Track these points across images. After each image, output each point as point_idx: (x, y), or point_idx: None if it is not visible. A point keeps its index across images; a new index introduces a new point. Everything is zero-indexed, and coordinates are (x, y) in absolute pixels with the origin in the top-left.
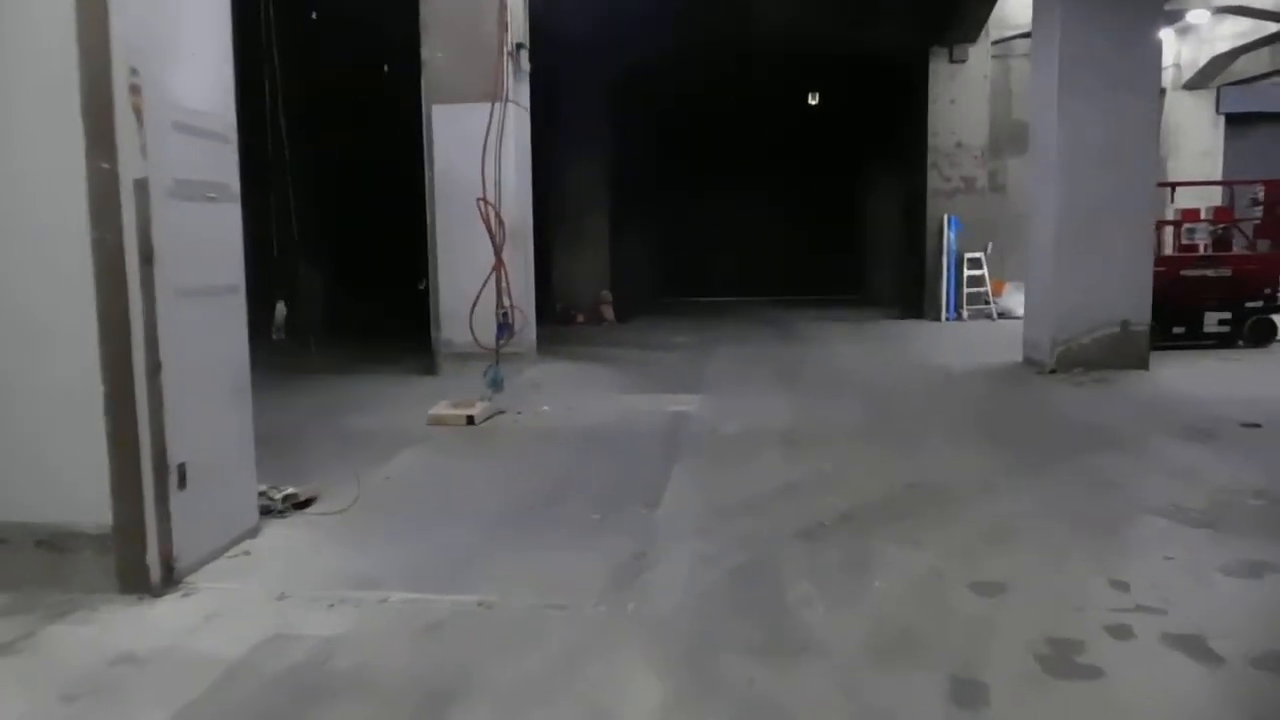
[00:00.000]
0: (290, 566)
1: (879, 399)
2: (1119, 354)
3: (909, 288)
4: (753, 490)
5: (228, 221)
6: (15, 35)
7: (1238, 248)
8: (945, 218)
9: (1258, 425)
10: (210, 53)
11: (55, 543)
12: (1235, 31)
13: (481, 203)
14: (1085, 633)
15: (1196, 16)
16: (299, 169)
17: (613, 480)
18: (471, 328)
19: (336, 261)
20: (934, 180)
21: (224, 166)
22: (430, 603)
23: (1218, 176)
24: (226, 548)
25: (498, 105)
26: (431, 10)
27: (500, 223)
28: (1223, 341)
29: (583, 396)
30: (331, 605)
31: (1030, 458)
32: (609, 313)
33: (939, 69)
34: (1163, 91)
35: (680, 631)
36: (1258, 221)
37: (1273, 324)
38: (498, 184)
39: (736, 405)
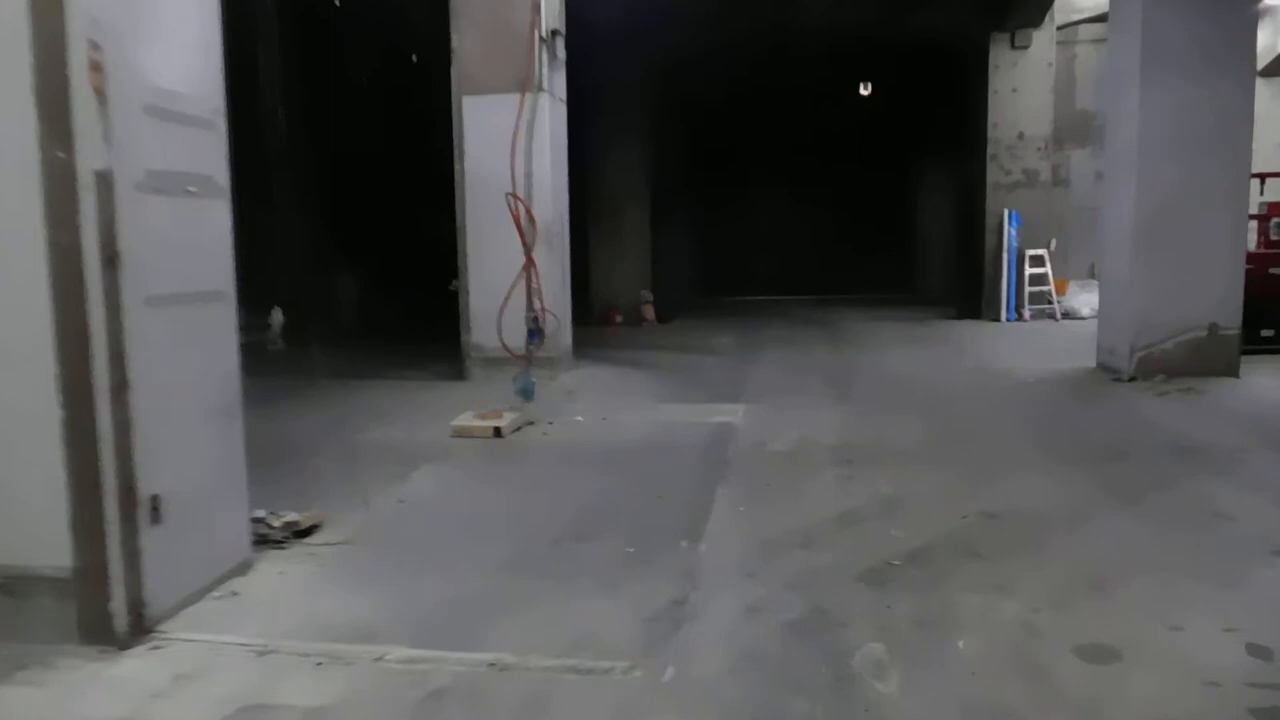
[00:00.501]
0: (279, 611)
1: (941, 410)
2: (1205, 360)
3: (964, 286)
4: (806, 519)
5: (213, 219)
6: None
7: None
8: (1005, 213)
9: None
10: (194, 26)
11: (9, 587)
12: None
13: (511, 198)
14: (1228, 717)
15: None
16: (335, 169)
17: (649, 505)
18: (500, 332)
19: (370, 263)
20: (994, 173)
21: (208, 156)
22: (433, 662)
23: None
24: (211, 587)
25: (529, 95)
26: None
27: (532, 220)
28: None
29: (619, 406)
30: (319, 664)
31: (1123, 482)
32: (649, 313)
33: (1000, 56)
34: None
35: (725, 706)
36: None
37: None
38: (529, 178)
39: (784, 417)
